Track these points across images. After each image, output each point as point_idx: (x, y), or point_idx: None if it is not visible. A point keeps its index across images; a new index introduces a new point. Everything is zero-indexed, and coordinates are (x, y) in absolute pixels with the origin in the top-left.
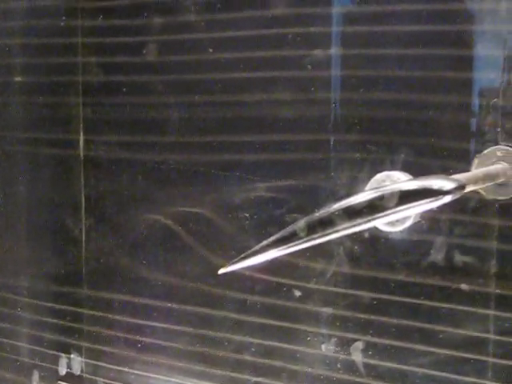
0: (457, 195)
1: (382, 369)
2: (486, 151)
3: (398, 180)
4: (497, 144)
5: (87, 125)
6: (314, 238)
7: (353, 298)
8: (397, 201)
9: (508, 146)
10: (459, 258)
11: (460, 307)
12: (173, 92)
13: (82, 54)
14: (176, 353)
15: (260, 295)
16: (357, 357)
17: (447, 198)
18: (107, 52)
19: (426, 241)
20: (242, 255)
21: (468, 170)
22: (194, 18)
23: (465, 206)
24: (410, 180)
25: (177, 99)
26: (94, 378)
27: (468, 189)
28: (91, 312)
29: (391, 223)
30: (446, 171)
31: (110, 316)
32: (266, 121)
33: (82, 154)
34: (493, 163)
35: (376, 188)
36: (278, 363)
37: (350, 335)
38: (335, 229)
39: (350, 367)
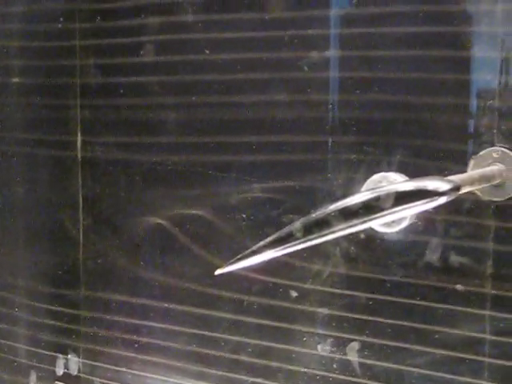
0: (452, 196)
1: (377, 369)
2: (482, 152)
3: (394, 181)
4: (493, 145)
5: (85, 126)
6: (311, 239)
7: (349, 299)
8: (393, 202)
9: (504, 147)
10: (455, 259)
11: (456, 308)
12: (170, 93)
13: (79, 55)
14: (173, 353)
15: (256, 296)
16: (353, 357)
17: (442, 199)
18: (105, 54)
19: (422, 242)
20: (239, 256)
21: (464, 172)
22: (191, 19)
23: (461, 207)
24: (406, 181)
25: (174, 100)
26: (91, 378)
27: (464, 190)
28: (88, 312)
29: (387, 224)
30: (442, 172)
31: (107, 316)
32: (263, 122)
33: (79, 155)
34: (489, 164)
35: (372, 189)
36: (274, 363)
37: (346, 335)
38: (331, 230)
39: (346, 367)
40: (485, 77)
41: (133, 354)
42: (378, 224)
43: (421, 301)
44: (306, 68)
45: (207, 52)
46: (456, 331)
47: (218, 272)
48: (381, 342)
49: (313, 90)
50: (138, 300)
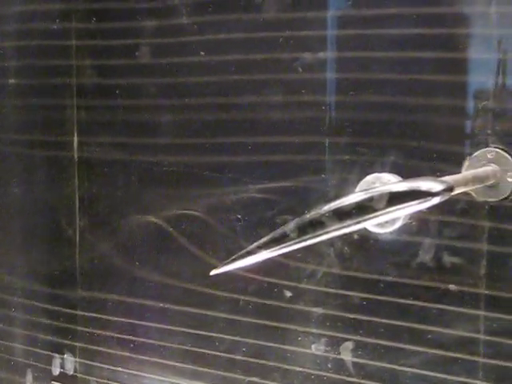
0: (445, 197)
1: (371, 368)
2: (476, 153)
3: (387, 182)
4: (487, 146)
5: (81, 126)
6: (305, 240)
7: (343, 299)
8: (386, 202)
9: (498, 148)
10: (450, 259)
11: (450, 308)
12: (166, 94)
13: (76, 56)
14: (169, 352)
15: (252, 295)
16: (346, 356)
17: (435, 200)
18: (101, 55)
19: (416, 242)
20: (234, 256)
21: (459, 172)
22: (186, 21)
23: (455, 207)
24: (400, 182)
25: (170, 101)
26: (87, 377)
27: (458, 190)
28: (85, 312)
29: (381, 224)
30: (436, 173)
31: (103, 316)
32: (258, 123)
33: (76, 156)
34: (483, 165)
35: (366, 190)
36: (269, 363)
37: (340, 335)
38: (325, 230)
39: (341, 367)
40: (479, 78)
41: (129, 354)
42: (372, 224)
43: (414, 301)
44: (300, 69)
45: (202, 54)
46: (450, 331)
47: (213, 272)
48: (375, 341)
49: (307, 92)
50: (134, 300)
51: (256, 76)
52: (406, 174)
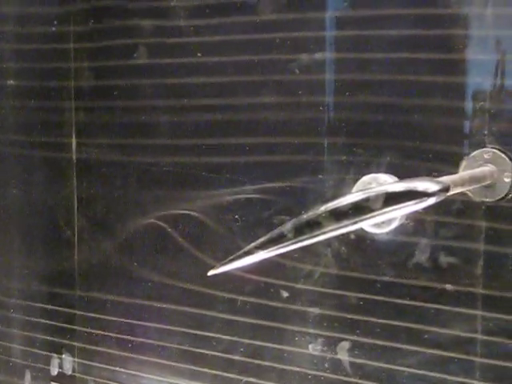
0: (441, 197)
1: (368, 368)
2: (473, 154)
3: (384, 182)
4: (484, 146)
5: (79, 128)
6: (302, 240)
7: (340, 299)
8: (382, 203)
9: (495, 148)
10: (447, 259)
11: (448, 307)
12: (163, 95)
13: (74, 58)
14: (167, 352)
15: (249, 296)
16: (343, 356)
17: (432, 200)
18: (99, 56)
19: (413, 242)
20: (231, 257)
21: (455, 173)
22: (183, 22)
23: (452, 207)
24: (396, 182)
25: (167, 102)
26: (85, 377)
27: (455, 191)
28: (83, 312)
29: (377, 225)
30: (433, 174)
31: (101, 316)
32: (255, 124)
33: (74, 157)
34: (480, 165)
35: (362, 190)
36: (266, 363)
37: (337, 335)
38: (322, 230)
39: (338, 367)
40: (476, 79)
41: (127, 354)
42: (369, 225)
43: (411, 301)
44: (296, 70)
45: (199, 55)
46: (447, 331)
47: (210, 273)
48: (371, 341)
49: (304, 93)
50: (132, 300)
51: (253, 77)
52: (402, 175)
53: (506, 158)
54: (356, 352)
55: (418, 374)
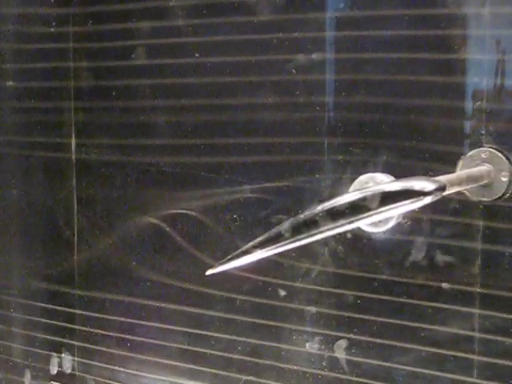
0: (438, 196)
1: (366, 366)
2: (470, 153)
3: (381, 181)
4: (481, 146)
5: (79, 128)
6: (299, 239)
7: (337, 297)
8: (379, 202)
9: (492, 147)
10: (445, 258)
11: (445, 306)
12: (162, 96)
13: (73, 59)
14: (166, 351)
15: (247, 295)
16: (340, 354)
17: (428, 199)
18: (98, 57)
19: (410, 241)
20: (230, 256)
21: (453, 172)
22: (181, 23)
23: (450, 207)
24: (393, 181)
25: (166, 103)
26: (85, 376)
27: (452, 190)
28: (83, 312)
29: (374, 224)
30: (429, 173)
31: (101, 315)
32: (253, 124)
33: (73, 157)
34: (477, 165)
35: (359, 189)
36: (264, 361)
37: (334, 333)
38: (319, 230)
39: (335, 365)
40: (473, 79)
41: (126, 353)
42: (366, 224)
43: (408, 299)
44: (293, 71)
45: (197, 55)
46: (444, 329)
47: (209, 272)
48: (369, 339)
49: (301, 93)
50: (131, 299)
51: (251, 77)
52: (399, 174)
53: (503, 158)
54: (353, 350)
55: (416, 372)
